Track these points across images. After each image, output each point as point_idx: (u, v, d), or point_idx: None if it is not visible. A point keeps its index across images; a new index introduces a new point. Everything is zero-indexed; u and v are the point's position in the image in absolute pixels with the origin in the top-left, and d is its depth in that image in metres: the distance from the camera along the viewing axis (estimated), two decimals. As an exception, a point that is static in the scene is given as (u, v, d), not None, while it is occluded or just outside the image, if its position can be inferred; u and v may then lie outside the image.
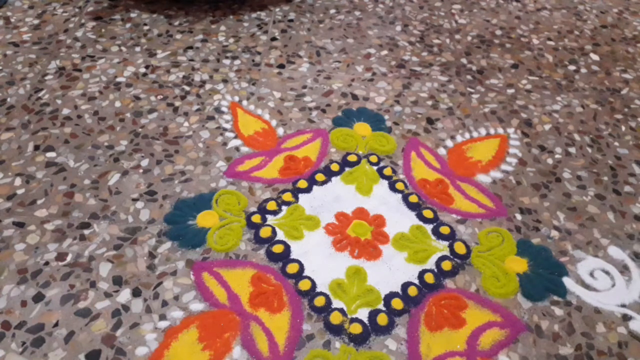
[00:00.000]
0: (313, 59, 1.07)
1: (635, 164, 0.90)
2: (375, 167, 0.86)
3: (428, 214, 0.79)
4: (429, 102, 0.98)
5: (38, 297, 0.67)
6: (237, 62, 1.05)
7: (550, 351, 0.65)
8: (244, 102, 0.96)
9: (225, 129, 0.91)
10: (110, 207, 0.78)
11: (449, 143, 0.91)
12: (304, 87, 1.00)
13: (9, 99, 0.94)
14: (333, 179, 0.84)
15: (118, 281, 0.69)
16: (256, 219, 0.77)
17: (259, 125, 0.92)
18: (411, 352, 0.64)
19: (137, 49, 1.07)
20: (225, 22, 1.16)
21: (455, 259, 0.74)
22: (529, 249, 0.76)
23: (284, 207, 0.79)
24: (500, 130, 0.94)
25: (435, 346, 0.65)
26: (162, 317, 0.66)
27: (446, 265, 0.73)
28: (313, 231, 0.77)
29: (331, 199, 0.81)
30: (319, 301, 0.68)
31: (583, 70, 1.09)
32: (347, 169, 0.85)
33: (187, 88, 0.98)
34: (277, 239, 0.75)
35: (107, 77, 1.00)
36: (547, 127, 0.96)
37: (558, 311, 0.69)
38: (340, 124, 0.93)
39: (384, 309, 0.68)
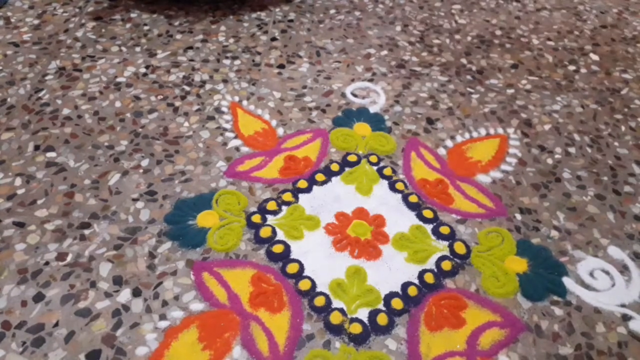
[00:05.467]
0: (313, 59, 1.07)
1: (635, 164, 0.90)
2: (375, 167, 0.86)
3: (428, 214, 0.79)
4: (429, 102, 0.98)
5: (38, 297, 0.67)
6: (237, 62, 1.05)
7: (550, 351, 0.65)
8: (244, 102, 0.96)
9: (225, 129, 0.91)
10: (110, 207, 0.78)
11: (449, 143, 0.91)
12: (304, 87, 1.00)
13: (9, 99, 0.94)
14: (333, 179, 0.84)
15: (118, 281, 0.69)
16: (256, 219, 0.77)
17: (259, 125, 0.92)
18: (411, 352, 0.64)
19: (137, 49, 1.07)
20: (225, 22, 1.16)
21: (455, 259, 0.74)
22: (529, 249, 0.76)
23: (284, 207, 0.79)
24: (500, 130, 0.94)
25: (435, 346, 0.65)
26: (162, 317, 0.66)
27: (446, 265, 0.73)
28: (313, 231, 0.77)
29: (331, 199, 0.81)
30: (319, 301, 0.68)
31: (583, 70, 1.09)
32: (347, 169, 0.85)
33: (187, 88, 0.98)
34: (277, 239, 0.75)
35: (107, 77, 1.00)
36: (546, 127, 0.96)
37: (558, 311, 0.69)
38: (340, 124, 0.93)
39: (383, 308, 0.68)
